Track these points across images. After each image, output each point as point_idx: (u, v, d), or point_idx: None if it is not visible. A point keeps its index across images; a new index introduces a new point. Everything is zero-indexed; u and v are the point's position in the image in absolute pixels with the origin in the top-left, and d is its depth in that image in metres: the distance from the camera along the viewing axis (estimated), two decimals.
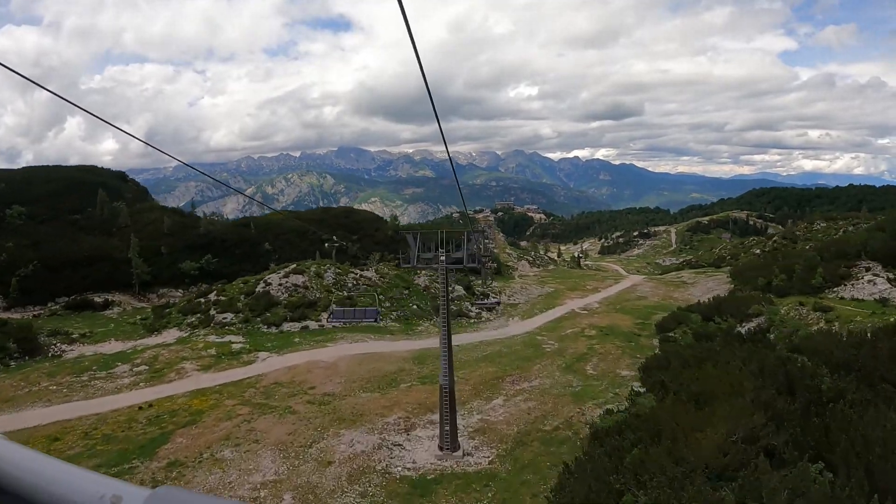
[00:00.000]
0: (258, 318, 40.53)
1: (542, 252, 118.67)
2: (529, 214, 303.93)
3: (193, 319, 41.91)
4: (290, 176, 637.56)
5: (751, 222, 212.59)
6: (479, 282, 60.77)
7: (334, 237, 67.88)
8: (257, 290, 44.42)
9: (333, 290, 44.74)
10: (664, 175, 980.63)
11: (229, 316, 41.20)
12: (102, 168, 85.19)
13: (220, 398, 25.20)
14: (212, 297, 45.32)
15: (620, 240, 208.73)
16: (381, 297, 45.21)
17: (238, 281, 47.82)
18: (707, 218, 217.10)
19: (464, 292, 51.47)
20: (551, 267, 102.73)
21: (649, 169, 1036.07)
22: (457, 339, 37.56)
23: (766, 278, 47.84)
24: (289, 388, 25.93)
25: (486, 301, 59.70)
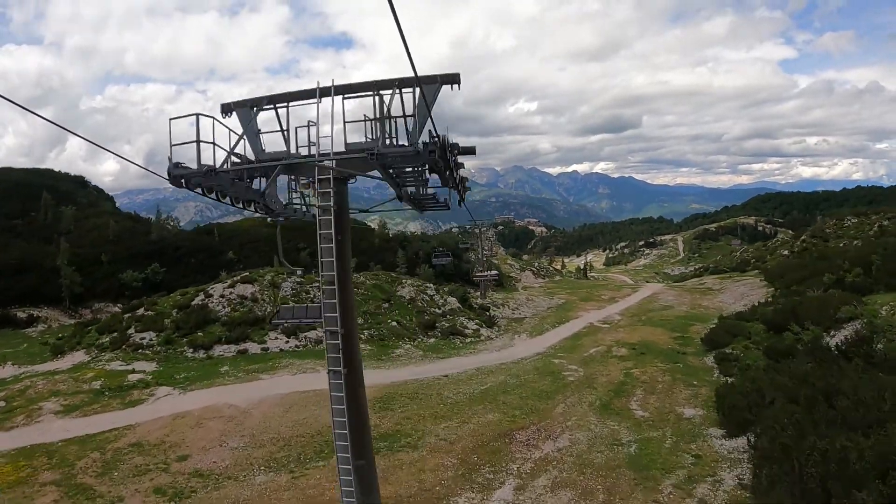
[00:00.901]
0: (185, 339, 30.39)
1: (545, 263, 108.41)
2: (530, 228, 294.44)
3: (106, 340, 31.83)
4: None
5: (759, 228, 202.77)
6: (478, 294, 50.71)
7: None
8: (194, 303, 34.31)
9: (291, 304, 34.59)
10: (663, 187, 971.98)
11: (149, 336, 31.07)
12: (59, 172, 75.62)
13: (40, 465, 15.22)
14: (140, 312, 35.25)
15: (626, 250, 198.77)
16: None
17: (176, 293, 37.72)
18: (714, 225, 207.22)
19: (458, 305, 41.25)
20: (557, 278, 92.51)
21: (648, 181, 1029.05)
22: (447, 366, 27.42)
23: (833, 275, 37.78)
24: (147, 457, 15.69)
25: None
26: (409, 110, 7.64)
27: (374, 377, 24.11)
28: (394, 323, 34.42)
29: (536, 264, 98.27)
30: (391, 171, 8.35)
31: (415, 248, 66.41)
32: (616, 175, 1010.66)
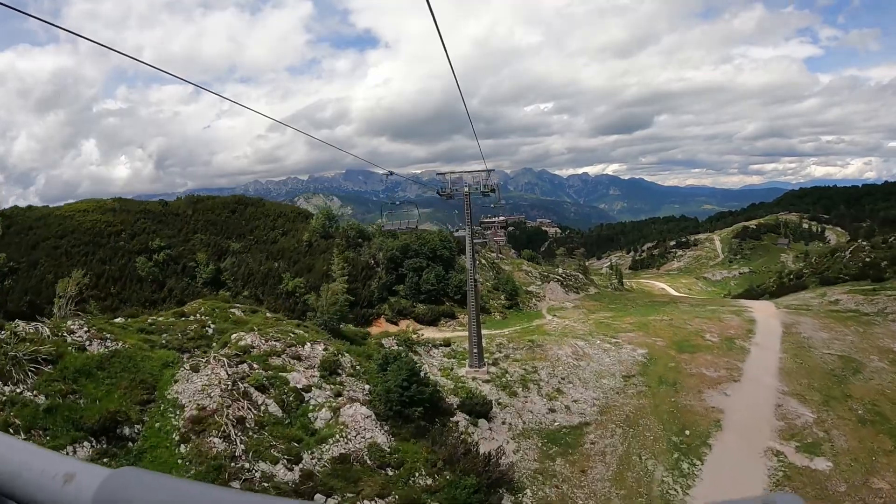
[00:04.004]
0: None
1: (573, 269, 79.51)
2: (543, 228, 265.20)
3: None
4: (296, 199, 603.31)
5: (804, 225, 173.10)
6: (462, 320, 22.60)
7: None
8: None
9: None
10: (674, 188, 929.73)
11: None
12: None
13: None
14: None
15: (654, 251, 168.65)
16: None
17: None
18: (754, 222, 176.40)
19: (377, 436, 12.59)
20: (593, 290, 63.84)
21: (659, 182, 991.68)
22: None
23: None
24: None
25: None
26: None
27: None
28: None
29: (562, 271, 69.97)
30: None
31: (372, 252, 38.35)
32: (627, 176, 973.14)
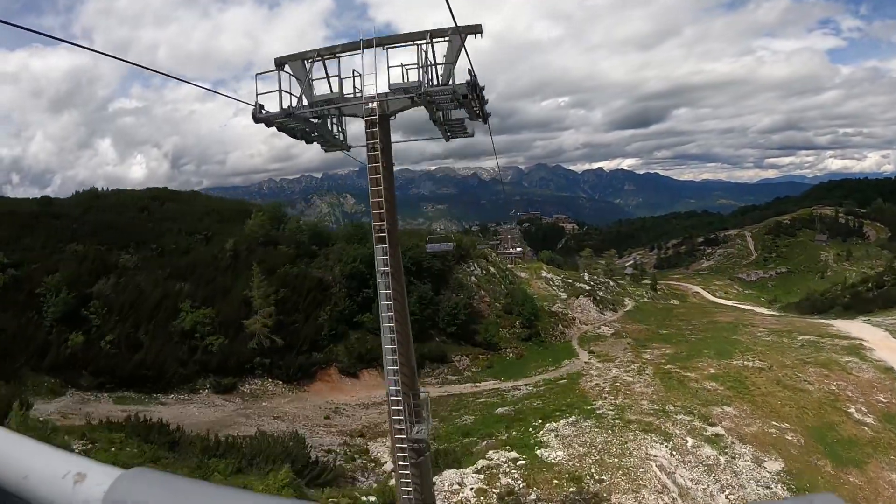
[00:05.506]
0: None
1: (601, 274, 66.67)
2: (560, 225, 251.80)
3: None
4: (310, 197, 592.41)
5: (840, 220, 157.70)
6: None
7: None
8: None
9: None
10: (689, 183, 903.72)
11: None
12: None
13: None
14: None
15: (681, 249, 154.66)
16: None
17: None
18: (787, 217, 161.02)
19: None
20: (630, 304, 51.15)
21: (674, 177, 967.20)
22: None
23: None
24: None
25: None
26: (440, 59, 8.51)
27: None
28: None
29: (588, 277, 57.35)
30: (433, 106, 9.12)
31: (329, 263, 25.86)
32: (642, 171, 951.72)
